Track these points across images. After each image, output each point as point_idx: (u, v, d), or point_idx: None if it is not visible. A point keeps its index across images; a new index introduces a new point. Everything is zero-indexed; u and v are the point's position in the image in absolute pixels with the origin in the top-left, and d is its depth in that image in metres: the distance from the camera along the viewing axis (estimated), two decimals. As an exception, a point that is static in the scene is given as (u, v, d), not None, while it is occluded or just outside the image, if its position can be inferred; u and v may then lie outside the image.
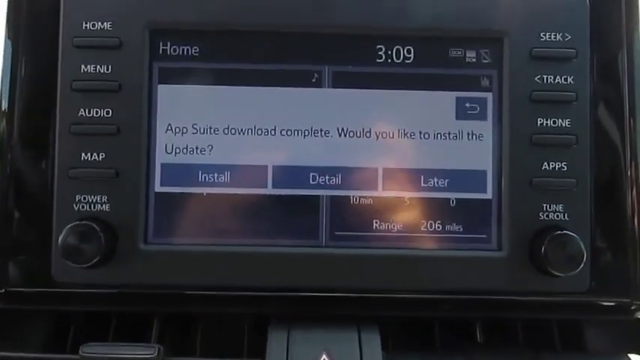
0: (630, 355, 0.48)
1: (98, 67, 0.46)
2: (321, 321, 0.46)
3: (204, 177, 0.47)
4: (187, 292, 0.46)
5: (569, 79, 0.47)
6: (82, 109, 0.46)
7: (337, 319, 0.46)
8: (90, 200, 0.46)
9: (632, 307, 0.48)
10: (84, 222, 0.44)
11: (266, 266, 0.46)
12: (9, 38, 0.48)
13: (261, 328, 0.47)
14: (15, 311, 0.48)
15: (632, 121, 0.48)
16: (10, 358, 0.44)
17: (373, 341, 0.45)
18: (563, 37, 0.47)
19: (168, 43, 0.48)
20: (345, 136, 0.48)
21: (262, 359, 0.43)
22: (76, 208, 0.46)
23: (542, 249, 0.45)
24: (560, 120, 0.47)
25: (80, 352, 0.42)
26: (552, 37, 0.47)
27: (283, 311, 0.47)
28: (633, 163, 0.47)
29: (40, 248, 0.45)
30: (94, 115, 0.46)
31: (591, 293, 0.47)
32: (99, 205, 0.46)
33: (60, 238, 0.43)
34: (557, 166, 0.47)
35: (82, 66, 0.46)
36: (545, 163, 0.47)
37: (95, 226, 0.43)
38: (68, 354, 0.46)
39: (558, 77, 0.47)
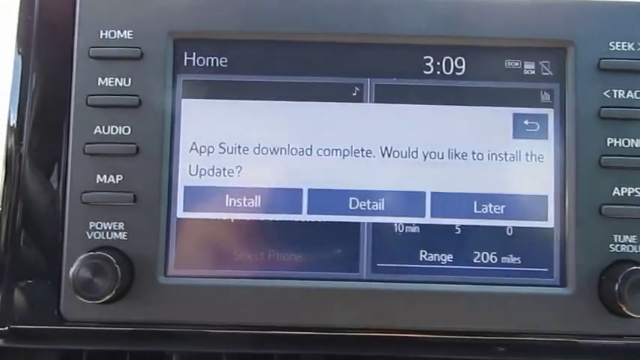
0: None
1: (117, 79, 0.42)
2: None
3: (232, 201, 0.42)
4: (211, 331, 0.41)
5: None
6: (98, 127, 0.42)
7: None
8: (105, 228, 0.41)
9: None
10: (98, 252, 0.39)
11: (299, 302, 0.41)
12: (19, 52, 0.44)
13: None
14: (20, 349, 0.43)
15: None
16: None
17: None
18: (635, 46, 0.42)
19: (194, 54, 0.43)
20: (388, 156, 0.43)
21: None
22: (90, 237, 0.41)
23: (616, 286, 0.39)
24: (632, 140, 0.42)
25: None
26: (623, 46, 0.42)
27: (318, 352, 0.42)
28: None
29: (48, 281, 0.41)
30: (112, 132, 0.42)
31: None
32: (115, 234, 0.41)
33: (71, 271, 0.38)
34: (630, 192, 0.42)
35: (99, 79, 0.42)
36: (617, 189, 0.42)
37: (111, 257, 0.39)
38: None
39: (630, 91, 0.42)
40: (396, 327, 0.42)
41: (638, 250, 0.41)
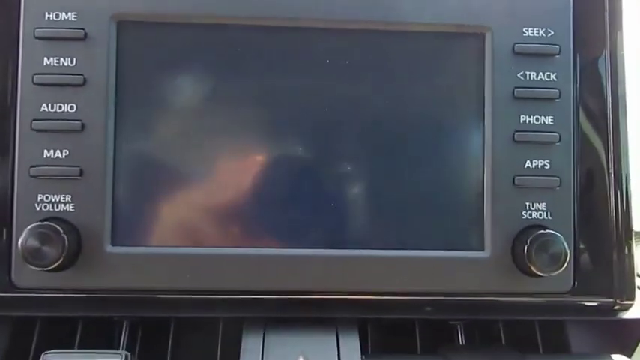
0: (613, 356, 0.47)
1: (62, 59, 0.44)
2: (298, 324, 0.44)
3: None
4: (157, 296, 0.44)
5: (552, 76, 0.46)
6: (44, 104, 0.44)
7: (315, 322, 0.45)
8: (53, 200, 0.43)
9: (615, 307, 0.47)
10: (46, 222, 0.41)
11: (238, 268, 0.44)
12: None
13: (234, 333, 0.46)
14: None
15: (614, 118, 0.47)
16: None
17: (352, 344, 0.43)
18: (546, 32, 0.46)
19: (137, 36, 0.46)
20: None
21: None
22: (38, 209, 0.43)
23: (525, 249, 0.44)
24: (542, 117, 0.46)
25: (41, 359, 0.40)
26: (535, 32, 0.46)
27: (258, 314, 0.45)
28: (616, 161, 0.47)
29: (-1, 251, 0.43)
30: (57, 110, 0.44)
31: (574, 293, 0.46)
32: (62, 205, 0.43)
33: (20, 240, 0.41)
34: (540, 165, 0.46)
35: (45, 59, 0.44)
36: (528, 162, 0.46)
37: (58, 227, 0.41)
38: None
39: (541, 73, 0.46)
40: (331, 289, 0.45)
41: (547, 216, 0.46)
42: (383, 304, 0.46)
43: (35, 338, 0.46)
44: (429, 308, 0.47)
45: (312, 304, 0.45)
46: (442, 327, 0.51)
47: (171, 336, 0.47)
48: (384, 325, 0.50)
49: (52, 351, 0.39)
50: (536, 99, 0.46)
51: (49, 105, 0.44)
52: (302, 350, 0.42)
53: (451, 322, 0.51)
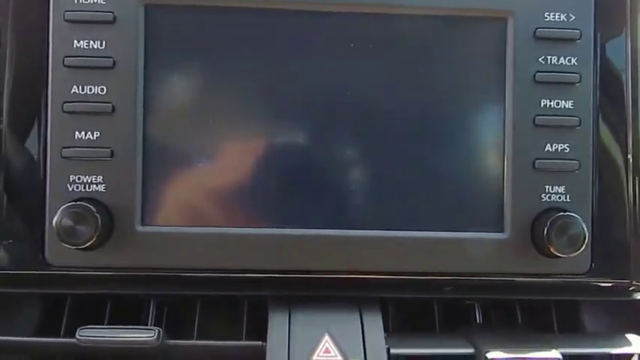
0: (627, 336, 0.48)
1: (91, 42, 0.45)
2: (322, 302, 0.46)
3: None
4: (185, 275, 0.45)
5: (573, 61, 0.47)
6: (75, 87, 0.44)
7: (338, 301, 0.46)
8: (85, 181, 0.44)
9: (631, 288, 0.48)
10: (79, 202, 0.42)
11: (265, 247, 0.45)
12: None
13: (260, 312, 0.47)
14: (5, 295, 0.46)
15: (634, 102, 0.48)
16: (8, 342, 0.42)
17: (375, 322, 0.44)
18: (568, 17, 0.47)
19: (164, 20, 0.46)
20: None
21: (264, 341, 0.43)
22: (71, 189, 0.44)
23: (545, 230, 0.45)
24: (563, 101, 0.47)
25: (77, 335, 0.41)
26: (557, 17, 0.47)
27: (283, 293, 0.46)
28: (634, 145, 0.47)
29: (34, 230, 0.44)
30: (88, 92, 0.44)
31: (591, 274, 0.47)
32: (94, 186, 0.44)
33: (55, 219, 0.42)
34: (559, 148, 0.47)
35: (75, 41, 0.45)
36: (548, 145, 0.47)
37: (91, 206, 0.42)
38: (64, 338, 0.44)
39: (562, 58, 0.47)
40: (354, 269, 0.46)
41: (566, 199, 0.47)
42: (403, 284, 0.47)
43: (66, 316, 0.47)
44: (448, 288, 0.48)
45: (336, 284, 0.47)
46: (460, 307, 0.53)
47: (197, 314, 0.48)
48: (403, 305, 0.51)
49: (87, 326, 0.41)
50: (556, 83, 0.47)
51: (80, 87, 0.45)
52: (327, 327, 0.43)
53: (469, 302, 0.52)
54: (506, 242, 0.47)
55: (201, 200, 0.45)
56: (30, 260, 0.44)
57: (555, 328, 0.52)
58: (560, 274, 0.47)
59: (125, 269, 0.44)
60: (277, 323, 0.43)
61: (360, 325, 0.44)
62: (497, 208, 0.47)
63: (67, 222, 0.42)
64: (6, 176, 0.45)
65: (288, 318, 0.44)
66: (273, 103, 0.46)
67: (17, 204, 0.45)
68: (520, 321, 0.52)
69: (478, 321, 0.52)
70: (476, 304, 0.52)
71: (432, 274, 0.47)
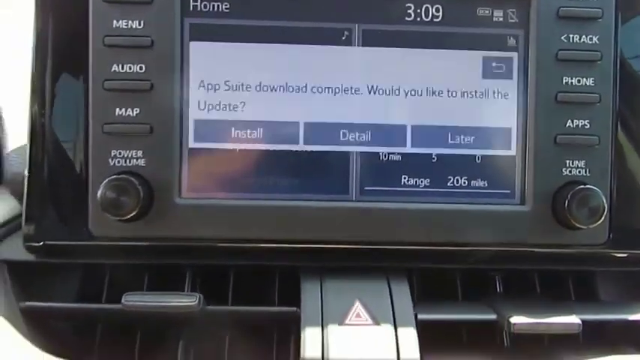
0: (643, 305, 0.50)
1: (130, 22, 0.46)
2: (351, 272, 0.48)
3: (237, 133, 0.48)
4: (220, 245, 0.47)
5: (595, 39, 0.48)
6: (114, 65, 0.46)
7: (367, 271, 0.48)
8: (125, 155, 0.46)
9: (647, 259, 0.50)
10: (122, 176, 0.44)
11: (297, 220, 0.47)
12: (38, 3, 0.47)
13: (291, 282, 0.49)
14: (50, 265, 0.48)
15: (653, 80, 0.49)
16: (56, 308, 0.45)
17: (402, 291, 0.46)
18: None
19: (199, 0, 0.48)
20: (375, 93, 0.49)
21: (297, 307, 0.45)
22: (112, 163, 0.46)
23: (566, 203, 0.47)
24: (584, 79, 0.48)
25: (123, 301, 0.43)
26: None
27: (314, 263, 0.48)
28: (653, 121, 0.49)
29: (77, 203, 0.46)
30: (127, 70, 0.46)
31: (609, 245, 0.49)
32: (134, 160, 0.46)
33: (99, 192, 0.44)
34: (580, 124, 0.49)
35: (114, 21, 0.46)
36: (569, 121, 0.48)
37: (133, 179, 0.44)
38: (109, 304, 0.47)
39: (584, 36, 0.48)
40: (381, 240, 0.48)
41: (586, 173, 0.49)
42: (428, 255, 0.49)
43: (106, 285, 0.50)
44: (470, 259, 0.50)
45: (364, 254, 0.49)
46: (480, 279, 0.55)
47: (231, 285, 0.50)
48: (427, 277, 0.53)
49: (132, 292, 0.43)
50: (578, 61, 0.48)
51: (119, 66, 0.46)
52: (357, 295, 0.45)
53: (492, 273, 0.54)
54: (528, 214, 0.48)
55: (236, 172, 0.47)
56: (74, 232, 0.46)
57: (573, 299, 0.54)
58: (579, 245, 0.49)
59: (164, 239, 0.46)
60: (310, 291, 0.46)
61: (388, 293, 0.46)
62: (520, 182, 0.49)
63: (111, 194, 0.44)
64: (51, 153, 0.47)
65: (319, 287, 0.46)
66: (314, 64, 0.48)
67: (62, 179, 0.47)
68: (539, 292, 0.54)
69: (499, 291, 0.54)
70: (497, 275, 0.54)
71: (456, 244, 0.49)
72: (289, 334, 0.46)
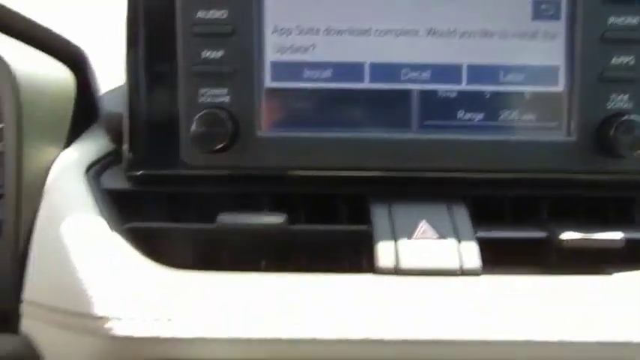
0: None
1: None
2: (414, 198, 0.53)
3: (309, 73, 0.53)
4: (297, 174, 0.53)
5: None
6: (200, 12, 0.51)
7: (427, 197, 0.53)
8: (212, 93, 0.52)
9: (684, 185, 0.54)
10: (211, 110, 0.50)
11: (364, 151, 0.53)
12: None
13: (357, 213, 0.54)
14: (139, 194, 0.54)
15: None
16: (156, 228, 0.51)
17: (462, 213, 0.51)
18: None
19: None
20: (433, 35, 0.53)
21: (368, 225, 0.50)
22: (201, 100, 0.52)
23: (610, 133, 0.51)
24: (629, 18, 0.52)
25: (217, 219, 0.49)
26: None
27: (381, 190, 0.54)
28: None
29: (170, 136, 0.52)
30: (212, 17, 0.51)
31: None
32: (220, 98, 0.52)
33: (192, 126, 0.50)
34: (624, 61, 0.53)
35: None
36: (615, 58, 0.53)
37: (221, 114, 0.50)
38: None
39: None
40: (440, 168, 0.53)
41: (629, 105, 0.53)
42: (482, 182, 0.54)
43: (197, 210, 0.56)
44: (520, 186, 0.55)
45: (424, 182, 0.54)
46: (527, 207, 0.59)
47: (304, 212, 0.55)
48: (478, 206, 0.58)
49: (226, 212, 0.49)
50: (623, 2, 0.52)
51: (205, 12, 0.51)
52: (422, 216, 0.51)
53: (539, 200, 0.58)
54: (574, 145, 0.53)
55: (309, 109, 0.53)
56: (169, 162, 0.52)
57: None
58: (623, 172, 0.53)
59: (247, 169, 0.52)
60: (379, 212, 0.51)
61: (449, 215, 0.51)
62: (566, 115, 0.53)
63: (202, 128, 0.50)
64: (147, 93, 0.52)
65: (388, 209, 0.51)
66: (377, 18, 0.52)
67: (157, 116, 0.52)
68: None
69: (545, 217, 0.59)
70: (543, 203, 0.59)
71: (507, 171, 0.54)
72: (360, 255, 0.52)
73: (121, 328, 0.44)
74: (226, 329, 0.44)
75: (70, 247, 0.48)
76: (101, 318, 0.44)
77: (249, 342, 0.43)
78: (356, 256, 0.52)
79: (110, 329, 0.44)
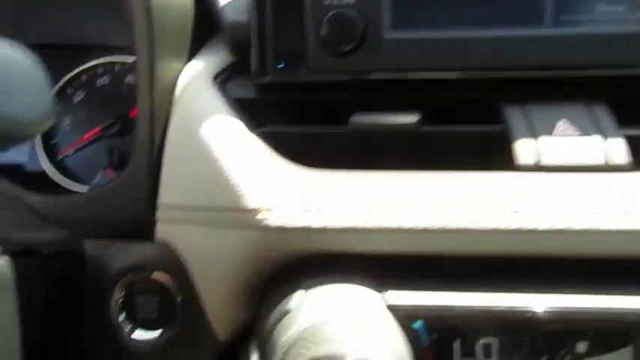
0: None
1: None
2: (550, 99, 0.51)
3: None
4: (426, 77, 0.52)
5: None
6: None
7: (563, 97, 0.51)
8: None
9: None
10: (342, 10, 0.49)
11: (497, 50, 0.50)
12: None
13: (482, 114, 0.53)
14: (266, 102, 0.55)
15: None
16: (288, 132, 0.51)
17: (603, 110, 0.49)
18: None
19: None
20: None
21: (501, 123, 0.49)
22: (327, 3, 0.51)
23: None
24: None
25: (350, 121, 0.49)
26: None
27: (512, 91, 0.52)
28: None
29: (297, 42, 0.51)
30: None
31: None
32: (345, 0, 0.51)
33: (322, 28, 0.49)
34: None
35: None
36: None
37: (349, 15, 0.49)
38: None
39: None
40: (577, 65, 0.50)
41: None
42: (626, 80, 0.51)
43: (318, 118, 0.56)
44: None
45: (559, 82, 0.51)
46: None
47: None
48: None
49: (358, 114, 0.49)
50: None
51: None
52: (560, 115, 0.49)
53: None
54: None
55: (436, 9, 0.51)
56: (295, 69, 0.52)
57: None
58: None
59: (376, 71, 0.51)
60: (515, 112, 0.49)
61: (589, 113, 0.49)
62: None
63: (330, 30, 0.49)
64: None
65: (522, 109, 0.50)
66: None
67: (283, 23, 0.52)
68: None
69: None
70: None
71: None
72: (491, 156, 0.50)
73: (273, 218, 0.45)
74: (374, 219, 0.45)
75: (212, 148, 0.49)
76: (253, 210, 0.46)
77: (398, 231, 0.44)
78: (488, 158, 0.50)
79: (263, 220, 0.45)
